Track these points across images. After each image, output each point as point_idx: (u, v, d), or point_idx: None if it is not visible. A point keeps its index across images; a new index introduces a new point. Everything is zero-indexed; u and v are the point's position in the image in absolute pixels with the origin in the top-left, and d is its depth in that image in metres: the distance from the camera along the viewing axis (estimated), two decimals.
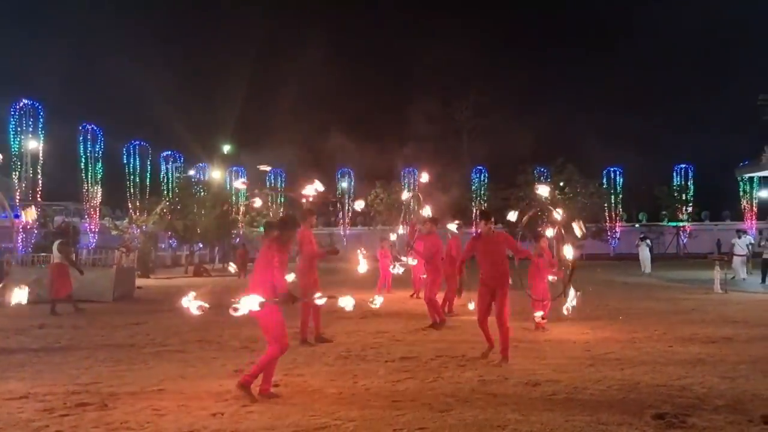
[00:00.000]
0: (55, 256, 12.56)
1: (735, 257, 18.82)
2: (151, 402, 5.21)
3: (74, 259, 14.46)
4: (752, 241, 22.91)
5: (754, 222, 41.51)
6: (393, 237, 14.04)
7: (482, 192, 47.05)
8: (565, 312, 9.33)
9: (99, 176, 31.19)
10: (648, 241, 24.59)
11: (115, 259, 15.97)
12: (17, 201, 23.80)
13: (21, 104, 24.17)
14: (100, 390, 5.64)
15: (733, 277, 14.63)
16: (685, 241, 42.81)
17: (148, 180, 38.68)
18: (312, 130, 49.93)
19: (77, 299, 13.38)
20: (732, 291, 14.75)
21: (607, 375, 5.92)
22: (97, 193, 30.85)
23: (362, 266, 9.68)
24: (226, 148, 47.23)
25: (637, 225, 44.01)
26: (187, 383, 5.95)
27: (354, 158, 47.86)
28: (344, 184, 48.41)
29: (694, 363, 6.44)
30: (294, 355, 7.26)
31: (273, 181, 47.87)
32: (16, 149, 24.04)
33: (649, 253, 23.54)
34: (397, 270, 12.43)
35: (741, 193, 42.49)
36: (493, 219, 7.02)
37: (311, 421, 4.62)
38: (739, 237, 19.44)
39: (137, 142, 38.28)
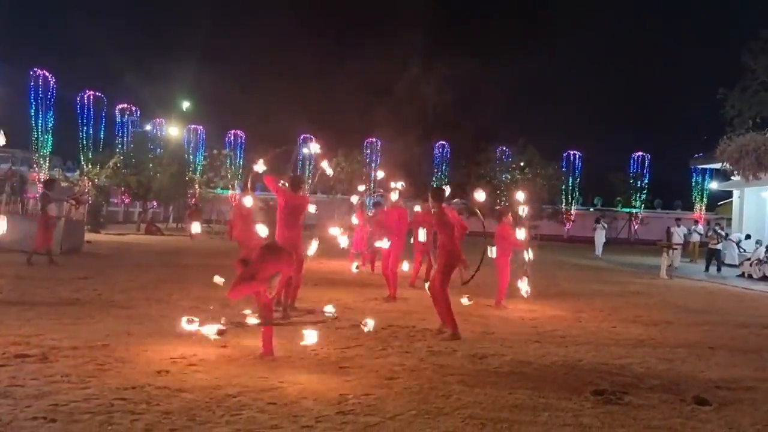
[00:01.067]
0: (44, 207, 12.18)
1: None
2: (95, 357, 5.10)
3: (22, 208, 14.03)
4: (695, 230, 23.80)
5: (703, 212, 43.05)
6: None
7: (444, 167, 47.25)
8: (524, 295, 9.33)
9: (50, 125, 29.97)
10: (604, 224, 25.06)
11: (64, 211, 15.44)
12: None
13: None
14: (42, 342, 5.49)
15: (669, 265, 15.21)
16: (636, 227, 44.09)
17: (102, 132, 37.50)
18: (272, 93, 49.19)
19: (22, 250, 12.99)
20: (677, 277, 15.31)
21: (551, 351, 6.09)
22: (47, 143, 29.71)
23: (342, 241, 9.69)
24: (186, 105, 45.96)
25: (591, 209, 45.06)
26: (133, 340, 5.85)
27: (315, 125, 47.48)
28: (306, 150, 47.77)
29: (635, 344, 6.67)
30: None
31: (233, 144, 46.99)
32: None
33: (603, 237, 24.07)
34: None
35: (693, 184, 43.95)
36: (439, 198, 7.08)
37: (257, 382, 4.61)
38: (678, 225, 20.06)
39: (92, 92, 36.92)
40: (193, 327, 5.26)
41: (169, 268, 12.87)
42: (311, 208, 8.10)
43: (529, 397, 4.46)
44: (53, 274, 10.45)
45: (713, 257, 18.33)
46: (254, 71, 51.67)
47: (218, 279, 6.81)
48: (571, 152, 46.02)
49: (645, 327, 7.84)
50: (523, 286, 9.23)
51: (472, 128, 45.90)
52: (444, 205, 7.11)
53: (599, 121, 48.75)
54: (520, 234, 8.58)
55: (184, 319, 5.31)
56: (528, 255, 9.07)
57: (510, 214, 9.23)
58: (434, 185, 9.49)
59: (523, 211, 8.64)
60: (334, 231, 9.74)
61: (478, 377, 5.02)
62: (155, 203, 35.35)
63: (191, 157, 42.12)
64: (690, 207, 44.11)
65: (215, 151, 43.93)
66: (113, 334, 6.03)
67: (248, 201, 8.23)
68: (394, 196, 9.94)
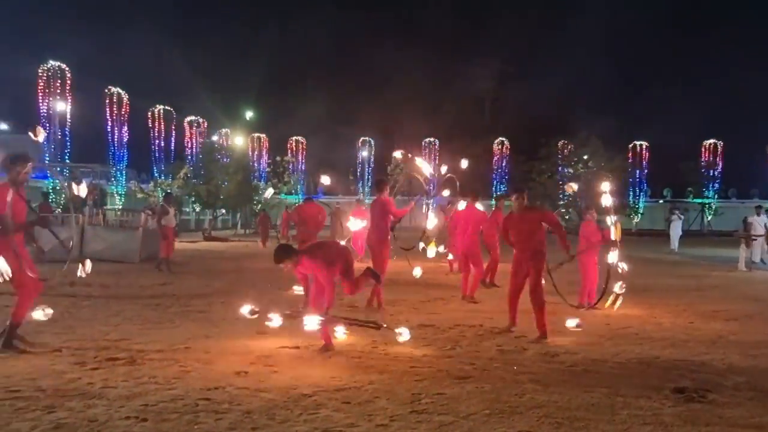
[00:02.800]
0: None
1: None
2: (178, 359, 5.36)
3: (103, 220, 15.03)
4: None
5: None
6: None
7: (504, 164, 46.61)
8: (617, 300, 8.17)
9: (124, 139, 31.51)
10: (680, 215, 23.28)
11: (141, 222, 16.25)
12: (46, 162, 24.24)
13: (48, 66, 24.40)
14: (129, 346, 5.82)
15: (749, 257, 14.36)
16: (710, 218, 42.16)
17: (172, 144, 39.13)
18: (331, 98, 49.86)
19: (104, 259, 13.80)
20: (757, 270, 14.57)
21: (625, 349, 5.94)
22: (123, 156, 31.23)
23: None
24: (249, 115, 47.31)
25: (661, 201, 43.43)
26: (212, 342, 6.11)
27: (374, 128, 47.83)
28: (364, 153, 48.24)
29: (714, 340, 6.42)
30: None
31: (294, 151, 48.02)
32: (45, 111, 24.36)
33: (680, 230, 22.50)
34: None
35: None
36: (525, 193, 6.93)
37: (331, 382, 4.73)
38: (758, 215, 18.80)
39: (162, 107, 38.57)
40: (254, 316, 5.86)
41: (240, 273, 13.30)
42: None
43: (605, 396, 4.38)
44: (135, 281, 11.00)
45: None
46: (313, 78, 52.55)
47: (297, 289, 7.05)
48: (638, 143, 44.56)
49: (724, 322, 7.52)
50: (618, 289, 7.99)
51: (531, 123, 45.18)
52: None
53: (666, 109, 46.77)
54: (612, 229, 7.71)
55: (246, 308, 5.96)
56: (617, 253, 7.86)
57: (593, 210, 8.62)
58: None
59: (609, 202, 7.56)
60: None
61: (550, 376, 4.97)
62: (223, 211, 36.63)
63: (256, 164, 43.34)
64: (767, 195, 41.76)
65: (278, 158, 45.06)
66: (193, 338, 6.32)
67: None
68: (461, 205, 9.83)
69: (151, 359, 5.35)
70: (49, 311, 6.04)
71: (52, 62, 24.57)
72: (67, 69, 24.87)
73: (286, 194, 43.31)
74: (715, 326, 7.23)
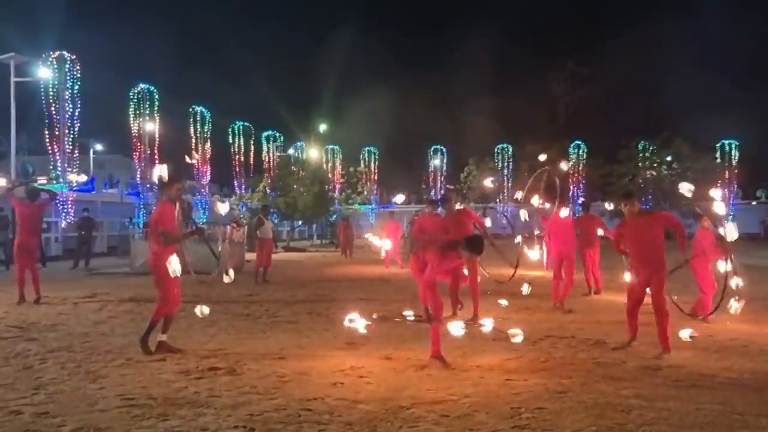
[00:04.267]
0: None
1: None
2: (275, 369, 5.50)
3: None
4: None
5: None
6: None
7: (581, 168, 45.18)
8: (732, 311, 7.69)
9: (207, 155, 32.84)
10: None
11: (227, 234, 16.84)
12: (138, 179, 25.59)
13: (138, 89, 25.82)
14: (227, 356, 6.02)
15: None
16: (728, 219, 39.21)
17: (251, 159, 40.50)
18: (401, 107, 50.15)
19: (192, 271, 14.38)
20: None
21: (735, 363, 5.60)
22: (207, 172, 32.56)
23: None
24: (322, 127, 48.29)
25: (754, 203, 40.90)
26: (305, 353, 6.23)
27: (445, 135, 47.69)
28: (436, 162, 48.09)
29: None
30: (401, 330, 7.42)
31: (366, 159, 48.56)
32: (136, 131, 25.76)
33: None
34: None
35: None
36: (636, 198, 6.61)
37: (427, 394, 4.71)
38: None
39: (241, 122, 40.03)
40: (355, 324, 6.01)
41: (322, 283, 13.54)
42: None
43: (720, 414, 4.13)
44: (225, 292, 11.39)
45: None
46: (382, 87, 53.03)
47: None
48: (726, 141, 42.16)
49: None
50: (735, 303, 7.60)
51: (608, 124, 43.73)
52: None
53: (756, 105, 44.12)
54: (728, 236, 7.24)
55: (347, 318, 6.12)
56: (729, 264, 7.52)
57: (707, 218, 7.82)
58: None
59: (719, 208, 7.03)
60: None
61: (656, 391, 4.74)
62: (300, 222, 37.50)
63: (330, 175, 44.10)
64: None
65: (351, 169, 45.71)
66: (286, 348, 6.46)
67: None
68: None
69: (250, 369, 5.51)
70: (206, 310, 6.77)
71: (142, 85, 25.96)
72: (155, 91, 26.22)
73: (360, 204, 43.90)
74: None
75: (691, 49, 49.45)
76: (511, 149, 45.15)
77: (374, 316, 6.76)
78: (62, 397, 4.65)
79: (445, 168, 47.62)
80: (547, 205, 9.90)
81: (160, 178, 6.43)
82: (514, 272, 9.71)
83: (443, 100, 49.77)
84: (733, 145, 41.49)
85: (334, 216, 39.53)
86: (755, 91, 46.14)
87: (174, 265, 6.04)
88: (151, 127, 26.00)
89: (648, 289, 6.22)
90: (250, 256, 19.58)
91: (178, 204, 6.32)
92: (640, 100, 48.00)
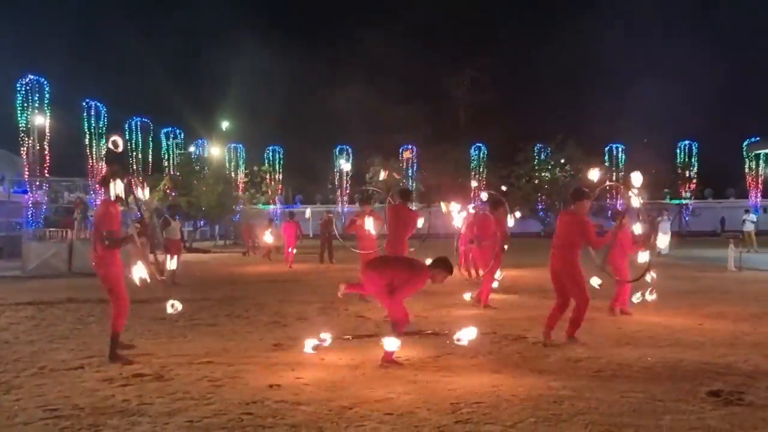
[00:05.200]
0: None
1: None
2: (204, 373, 5.30)
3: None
4: (748, 219, 23.13)
5: (759, 199, 41.75)
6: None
7: (481, 170, 46.85)
8: (648, 299, 8.62)
9: (103, 152, 31.00)
10: (668, 216, 22.47)
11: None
12: (26, 176, 23.70)
13: (27, 80, 23.90)
14: (150, 361, 5.74)
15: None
16: (687, 219, 43.00)
17: (150, 156, 38.68)
18: (306, 106, 49.84)
19: (92, 273, 13.61)
20: (746, 269, 14.91)
21: (646, 352, 6.01)
22: (101, 169, 30.72)
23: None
24: (225, 125, 46.94)
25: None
26: (232, 356, 6.04)
27: (350, 134, 47.88)
28: (342, 161, 48.13)
29: (731, 341, 6.53)
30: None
31: (271, 159, 47.79)
32: (23, 125, 23.84)
33: (668, 229, 20.71)
34: None
35: (746, 170, 42.60)
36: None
37: (367, 393, 4.71)
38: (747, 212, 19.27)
39: (138, 118, 38.15)
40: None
41: (235, 285, 13.18)
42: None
43: (644, 401, 4.43)
44: (132, 295, 10.75)
45: None
46: (288, 85, 52.45)
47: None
48: (614, 145, 45.33)
49: (734, 323, 7.67)
50: (649, 296, 8.67)
51: (507, 128, 45.68)
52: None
53: (641, 111, 47.69)
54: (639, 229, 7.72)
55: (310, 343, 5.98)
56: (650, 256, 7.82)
57: (625, 216, 7.78)
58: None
59: (640, 202, 7.08)
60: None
61: (580, 382, 5.00)
62: (202, 222, 36.24)
63: (234, 174, 43.00)
64: (744, 195, 42.81)
65: (255, 168, 44.81)
66: (212, 351, 6.24)
67: None
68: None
69: (178, 374, 5.27)
70: (179, 305, 6.33)
71: (31, 75, 24.07)
72: (45, 82, 24.39)
73: (264, 204, 43.10)
74: (726, 327, 7.36)
75: (586, 54, 52.46)
76: (416, 150, 45.94)
77: (348, 338, 6.73)
78: None
79: (350, 168, 47.68)
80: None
81: (115, 143, 6.09)
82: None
83: (349, 99, 49.80)
84: (620, 149, 44.67)
85: (237, 216, 38.59)
86: (640, 98, 49.74)
87: (138, 272, 5.78)
88: (41, 120, 24.17)
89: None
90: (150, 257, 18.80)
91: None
92: (535, 106, 50.43)
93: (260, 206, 42.16)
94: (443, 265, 5.96)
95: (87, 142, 29.67)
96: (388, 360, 5.55)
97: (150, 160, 38.59)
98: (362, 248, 9.91)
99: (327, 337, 6.14)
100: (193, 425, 3.97)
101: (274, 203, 45.07)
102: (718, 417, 4.09)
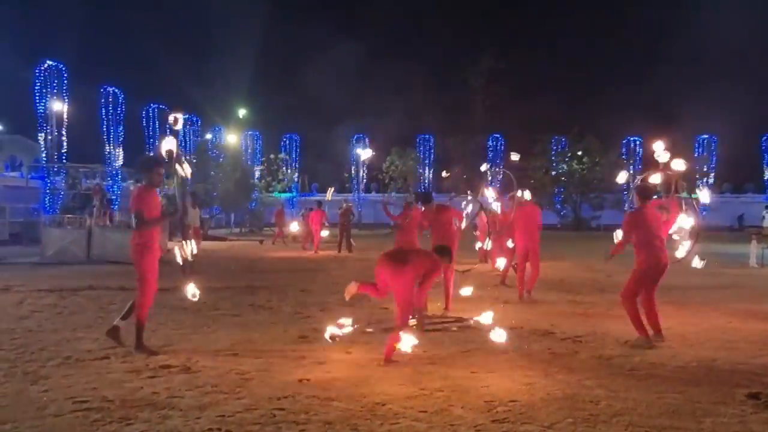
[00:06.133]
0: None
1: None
2: (232, 366, 5.25)
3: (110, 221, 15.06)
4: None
5: None
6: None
7: (498, 161, 46.54)
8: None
9: (120, 139, 31.17)
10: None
11: None
12: (44, 163, 23.86)
13: (45, 66, 23.98)
14: (176, 352, 5.71)
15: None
16: (704, 213, 42.45)
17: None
18: (325, 95, 49.65)
19: (112, 260, 13.76)
20: (766, 266, 14.68)
21: (679, 351, 5.89)
22: (119, 156, 30.90)
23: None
24: (242, 112, 46.98)
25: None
26: (259, 348, 6.00)
27: (368, 124, 47.75)
28: (359, 150, 48.03)
29: (763, 340, 6.39)
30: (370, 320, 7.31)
31: (288, 147, 47.85)
32: (42, 111, 23.95)
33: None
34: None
35: (765, 166, 42.03)
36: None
37: (399, 389, 4.64)
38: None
39: (156, 105, 38.22)
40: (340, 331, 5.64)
41: (254, 273, 13.19)
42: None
43: (683, 402, 4.33)
44: None
45: None
46: (307, 73, 52.29)
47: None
48: (631, 138, 44.87)
49: (763, 321, 7.52)
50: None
51: (524, 119, 45.28)
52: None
53: (659, 105, 47.19)
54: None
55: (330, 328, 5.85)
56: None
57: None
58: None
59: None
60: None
61: (615, 381, 4.91)
62: (218, 209, 36.35)
63: (250, 162, 43.06)
64: (762, 189, 42.21)
65: (272, 156, 44.82)
66: (237, 343, 6.21)
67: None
68: (527, 195, 9.71)
69: (205, 366, 5.23)
70: (197, 293, 6.39)
71: (49, 62, 24.15)
72: (63, 68, 24.47)
73: (280, 192, 43.15)
74: (756, 326, 7.22)
75: (604, 48, 51.84)
76: (433, 140, 45.75)
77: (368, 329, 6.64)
78: (5, 401, 4.22)
79: (371, 155, 47.57)
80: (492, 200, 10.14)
81: (175, 119, 6.17)
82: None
83: (366, 88, 49.64)
84: (638, 142, 44.16)
85: (254, 204, 38.67)
86: (658, 91, 49.12)
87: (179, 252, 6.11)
88: (59, 106, 24.30)
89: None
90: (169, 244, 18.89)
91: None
92: (553, 97, 49.98)
93: (276, 194, 42.21)
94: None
95: (104, 129, 29.76)
96: (389, 357, 5.44)
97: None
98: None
99: (347, 322, 6.08)
100: (225, 420, 3.93)
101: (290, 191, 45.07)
102: (761, 421, 3.99)
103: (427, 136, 47.34)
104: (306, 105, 50.48)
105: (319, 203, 19.94)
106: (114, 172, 29.45)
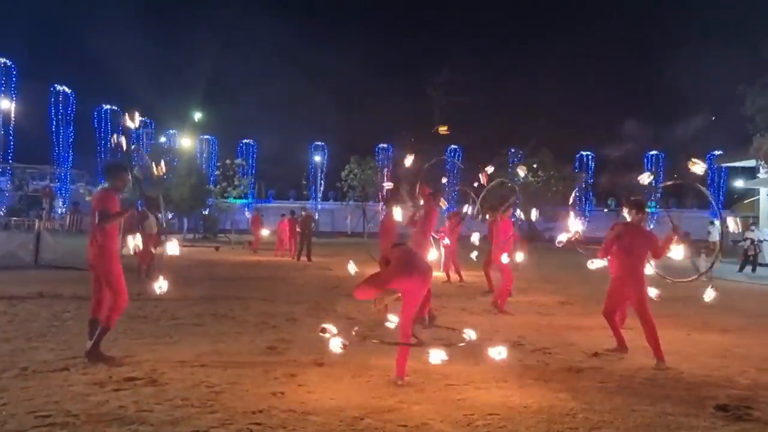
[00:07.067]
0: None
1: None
2: (200, 378, 5.08)
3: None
4: (714, 229, 23.79)
5: (720, 210, 42.94)
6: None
7: (456, 172, 47.07)
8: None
9: (70, 140, 30.15)
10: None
11: None
12: None
13: None
14: (139, 363, 5.49)
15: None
16: (651, 227, 43.90)
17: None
18: (283, 101, 49.26)
19: (62, 266, 13.24)
20: (716, 279, 15.18)
21: (645, 363, 5.99)
22: (69, 158, 29.86)
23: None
24: (197, 116, 46.07)
25: (605, 210, 44.91)
26: (226, 359, 5.82)
27: (327, 132, 47.60)
28: (317, 158, 47.89)
29: (722, 353, 6.59)
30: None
31: (245, 152, 47.23)
32: None
33: None
34: None
35: (709, 182, 43.80)
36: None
37: (375, 402, 4.57)
38: (713, 224, 19.95)
39: (108, 107, 37.14)
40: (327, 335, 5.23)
41: (214, 281, 12.88)
42: None
43: (655, 415, 4.40)
44: None
45: (749, 257, 18.28)
46: (265, 79, 51.75)
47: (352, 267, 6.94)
48: (584, 153, 46.16)
49: (721, 334, 7.77)
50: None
51: (483, 131, 46.00)
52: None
53: (610, 122, 48.61)
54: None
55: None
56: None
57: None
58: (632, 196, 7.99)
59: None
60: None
61: (589, 393, 4.96)
62: (171, 214, 35.46)
63: (206, 167, 42.29)
64: (705, 205, 43.89)
65: (228, 161, 44.06)
66: (203, 354, 6.01)
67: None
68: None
69: (172, 378, 5.04)
70: (164, 285, 6.15)
71: None
72: (12, 66, 23.53)
73: (235, 198, 42.44)
74: (714, 338, 7.45)
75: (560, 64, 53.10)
76: (392, 149, 45.94)
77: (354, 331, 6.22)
78: None
79: (326, 165, 47.50)
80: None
81: (132, 115, 5.96)
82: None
83: (326, 96, 49.48)
84: (590, 157, 45.45)
85: (209, 209, 37.92)
86: (608, 109, 50.60)
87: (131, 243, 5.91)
88: (6, 105, 23.32)
89: None
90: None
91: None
92: (511, 110, 50.84)
93: (231, 200, 41.50)
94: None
95: (54, 129, 28.75)
96: (404, 374, 5.14)
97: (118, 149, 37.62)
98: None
99: (332, 329, 5.89)
100: None
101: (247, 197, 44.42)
102: None
103: (386, 146, 47.48)
104: (264, 111, 49.87)
105: (292, 212, 20.46)
106: (63, 175, 28.47)
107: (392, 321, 5.63)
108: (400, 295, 5.09)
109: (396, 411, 4.40)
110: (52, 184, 20.16)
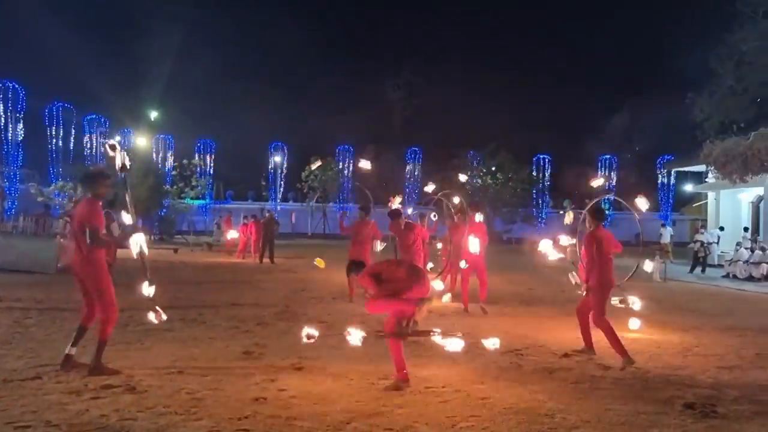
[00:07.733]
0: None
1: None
2: (180, 385, 5.04)
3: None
4: (665, 231, 24.77)
5: (670, 212, 44.59)
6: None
7: (416, 173, 47.45)
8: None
9: (20, 138, 29.12)
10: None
11: (60, 229, 15.03)
12: None
13: None
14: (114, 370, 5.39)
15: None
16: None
17: (71, 144, 36.60)
18: (242, 100, 48.68)
19: (18, 270, 12.82)
20: (669, 280, 15.80)
21: (612, 363, 6.19)
22: (18, 156, 28.83)
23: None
24: (153, 115, 45.13)
25: (561, 212, 45.95)
26: (203, 365, 5.78)
27: (286, 133, 47.26)
28: (277, 158, 47.47)
29: (683, 352, 6.88)
30: (297, 338, 7.18)
31: (202, 153, 46.45)
32: None
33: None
34: None
35: (659, 186, 45.41)
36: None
37: (358, 407, 4.62)
38: (664, 227, 20.87)
39: (60, 104, 36.00)
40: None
41: (178, 284, 12.66)
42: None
43: (629, 414, 4.57)
44: (68, 294, 10.13)
45: (699, 258, 19.04)
46: (224, 78, 51.00)
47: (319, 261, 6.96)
48: (541, 156, 47.14)
49: (681, 333, 8.08)
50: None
51: (442, 133, 46.51)
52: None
53: (566, 126, 49.82)
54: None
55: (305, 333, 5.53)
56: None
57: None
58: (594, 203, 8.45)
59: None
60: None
61: (564, 393, 5.11)
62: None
63: (162, 167, 41.46)
64: (656, 208, 45.42)
65: (185, 161, 43.25)
66: (178, 360, 5.96)
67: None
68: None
69: (151, 385, 4.98)
70: (163, 316, 5.94)
71: None
72: None
73: (192, 199, 41.68)
74: (674, 337, 7.75)
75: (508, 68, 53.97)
76: (353, 150, 45.95)
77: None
78: None
79: (285, 166, 47.14)
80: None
81: (123, 167, 5.72)
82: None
83: (285, 95, 49.12)
84: (546, 160, 46.46)
85: (165, 210, 37.18)
86: (568, 111, 51.78)
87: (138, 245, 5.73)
88: None
89: None
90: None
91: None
92: (469, 112, 51.41)
93: (188, 201, 40.75)
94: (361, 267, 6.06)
95: (3, 126, 27.71)
96: (405, 378, 5.18)
97: (71, 148, 36.52)
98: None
99: (314, 333, 5.87)
100: None
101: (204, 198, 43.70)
102: (701, 429, 4.29)
103: (347, 147, 47.43)
104: (222, 110, 49.14)
105: (254, 216, 20.53)
106: (12, 174, 27.49)
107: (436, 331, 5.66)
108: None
109: (381, 415, 4.46)
110: (1, 184, 19.35)
